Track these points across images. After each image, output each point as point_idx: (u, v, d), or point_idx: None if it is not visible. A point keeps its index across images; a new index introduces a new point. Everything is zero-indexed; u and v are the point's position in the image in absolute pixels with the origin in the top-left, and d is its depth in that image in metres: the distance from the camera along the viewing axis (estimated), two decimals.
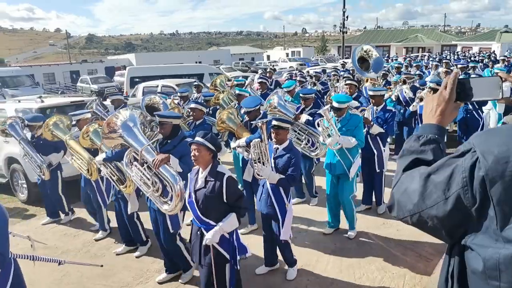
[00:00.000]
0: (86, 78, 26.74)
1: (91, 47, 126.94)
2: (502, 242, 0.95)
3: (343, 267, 4.17)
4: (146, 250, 4.71)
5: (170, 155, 3.48)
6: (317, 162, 5.79)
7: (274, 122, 3.77)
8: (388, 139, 8.35)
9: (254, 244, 4.60)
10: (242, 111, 4.98)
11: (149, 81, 13.36)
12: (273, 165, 3.74)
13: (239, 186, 6.09)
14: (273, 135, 3.77)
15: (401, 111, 6.68)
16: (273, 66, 23.29)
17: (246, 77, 15.97)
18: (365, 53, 6.81)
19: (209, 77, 17.50)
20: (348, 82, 6.52)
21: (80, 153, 4.73)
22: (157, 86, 11.87)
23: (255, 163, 3.72)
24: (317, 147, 5.09)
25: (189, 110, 5.47)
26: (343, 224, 4.90)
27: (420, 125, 5.76)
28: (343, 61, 16.13)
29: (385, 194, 5.40)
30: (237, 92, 6.62)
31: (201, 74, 17.03)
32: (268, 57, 54.15)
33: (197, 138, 3.04)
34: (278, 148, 3.80)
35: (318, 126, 4.67)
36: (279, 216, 3.75)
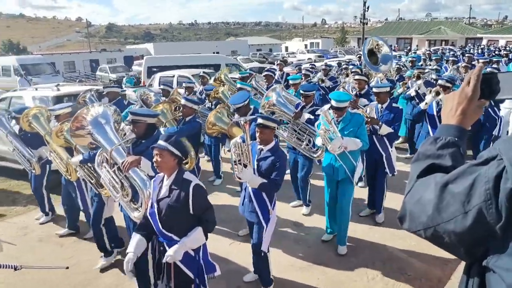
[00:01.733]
0: (105, 67, 27.23)
1: (111, 36, 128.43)
2: None
3: (356, 266, 4.09)
4: (110, 262, 4.29)
5: (142, 157, 3.17)
6: (318, 163, 5.45)
7: (259, 120, 3.46)
8: (400, 139, 8.17)
9: (245, 250, 4.33)
10: (232, 108, 4.73)
11: (166, 71, 13.38)
12: (255, 167, 3.44)
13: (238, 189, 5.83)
14: (257, 134, 3.46)
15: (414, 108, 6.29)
16: (284, 58, 23.03)
17: (263, 69, 15.89)
18: (376, 47, 6.55)
19: (225, 68, 17.59)
20: (356, 77, 6.16)
21: (58, 152, 4.45)
22: (173, 76, 11.89)
23: (235, 164, 3.41)
24: (318, 148, 4.76)
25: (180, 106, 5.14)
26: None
27: (427, 124, 5.52)
28: (359, 54, 15.79)
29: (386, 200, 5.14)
30: (238, 86, 6.35)
31: (217, 65, 17.02)
32: (286, 48, 53.73)
33: (160, 142, 2.73)
34: (262, 150, 3.49)
35: (319, 128, 4.31)
36: (263, 223, 3.49)
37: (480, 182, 0.89)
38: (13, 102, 7.63)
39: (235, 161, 3.43)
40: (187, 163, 4.80)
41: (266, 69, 9.85)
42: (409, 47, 27.82)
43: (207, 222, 2.74)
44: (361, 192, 5.66)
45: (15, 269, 2.82)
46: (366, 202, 5.37)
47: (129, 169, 3.09)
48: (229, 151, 4.01)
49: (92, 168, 4.03)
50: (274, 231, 4.76)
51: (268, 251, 3.62)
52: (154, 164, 2.78)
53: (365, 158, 5.14)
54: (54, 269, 3.60)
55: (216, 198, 5.99)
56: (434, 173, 1.04)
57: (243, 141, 3.40)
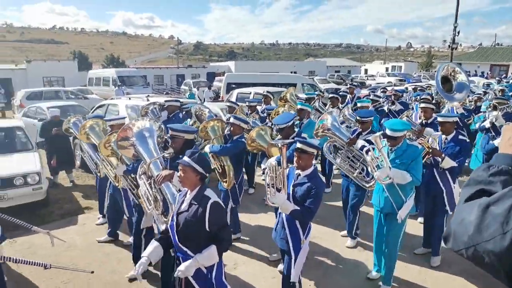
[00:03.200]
0: (189, 82, 29.27)
1: (197, 53, 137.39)
2: None
3: None
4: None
5: (175, 172, 3.21)
6: (368, 196, 5.19)
7: (298, 145, 3.36)
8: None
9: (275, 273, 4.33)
10: (275, 129, 4.65)
11: (245, 87, 13.97)
12: (291, 193, 3.36)
13: None
14: (295, 159, 3.39)
15: (489, 141, 5.82)
16: (352, 81, 22.48)
17: (337, 90, 15.90)
18: (451, 74, 6.14)
19: (301, 87, 17.91)
20: (422, 105, 5.77)
21: (110, 159, 4.65)
22: (250, 93, 12.39)
23: (268, 187, 3.36)
24: (372, 177, 4.45)
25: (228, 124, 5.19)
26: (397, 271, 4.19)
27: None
28: None
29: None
30: (298, 107, 6.28)
31: (294, 84, 17.33)
32: (366, 71, 52.47)
33: (184, 158, 2.85)
34: (299, 175, 3.40)
35: (367, 154, 4.11)
36: (292, 253, 3.36)
37: None
38: (109, 109, 8.63)
39: (268, 184, 3.38)
40: (225, 182, 4.84)
41: (331, 91, 9.80)
42: (504, 75, 25.50)
43: (222, 240, 2.75)
44: (418, 227, 5.32)
45: (45, 267, 3.05)
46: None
47: (162, 182, 3.19)
48: (263, 172, 3.86)
49: (135, 179, 4.20)
50: (314, 259, 4.66)
51: (299, 282, 3.48)
52: (178, 179, 2.88)
53: (423, 192, 4.85)
54: (81, 272, 3.73)
55: (256, 217, 6.06)
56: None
57: (279, 164, 3.37)
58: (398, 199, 3.94)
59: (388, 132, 3.92)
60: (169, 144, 3.81)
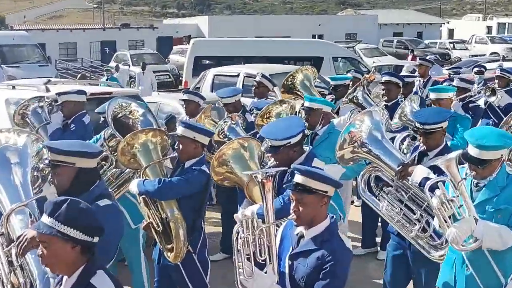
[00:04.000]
0: (124, 55, 29.55)
1: (140, 3, 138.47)
2: None
3: None
4: None
5: None
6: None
7: (297, 177, 3.27)
8: None
9: None
10: (263, 146, 4.72)
11: (227, 65, 14.41)
12: (286, 270, 3.28)
13: None
14: (292, 206, 3.26)
15: None
16: (423, 51, 22.44)
17: (397, 70, 15.97)
18: None
19: (331, 64, 17.99)
20: None
21: None
22: (237, 75, 12.51)
23: (240, 261, 3.23)
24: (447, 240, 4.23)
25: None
26: None
27: None
28: None
29: None
30: (306, 104, 6.26)
31: (318, 58, 17.45)
32: (451, 32, 53.31)
33: (42, 219, 2.65)
34: (302, 236, 3.32)
35: (433, 192, 3.93)
36: None
37: None
38: None
39: (239, 255, 3.25)
40: (171, 250, 4.74)
41: (386, 71, 9.75)
42: None
43: None
44: None
45: None
46: None
47: (26, 250, 3.14)
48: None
49: None
50: None
51: None
52: (40, 261, 2.77)
53: None
54: None
55: None
56: None
57: (261, 217, 3.34)
58: (493, 280, 3.87)
59: (471, 151, 3.80)
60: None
